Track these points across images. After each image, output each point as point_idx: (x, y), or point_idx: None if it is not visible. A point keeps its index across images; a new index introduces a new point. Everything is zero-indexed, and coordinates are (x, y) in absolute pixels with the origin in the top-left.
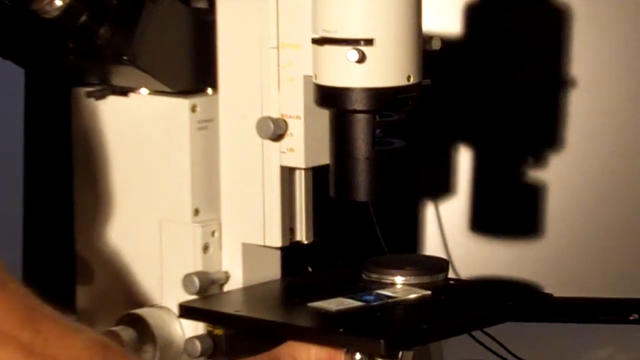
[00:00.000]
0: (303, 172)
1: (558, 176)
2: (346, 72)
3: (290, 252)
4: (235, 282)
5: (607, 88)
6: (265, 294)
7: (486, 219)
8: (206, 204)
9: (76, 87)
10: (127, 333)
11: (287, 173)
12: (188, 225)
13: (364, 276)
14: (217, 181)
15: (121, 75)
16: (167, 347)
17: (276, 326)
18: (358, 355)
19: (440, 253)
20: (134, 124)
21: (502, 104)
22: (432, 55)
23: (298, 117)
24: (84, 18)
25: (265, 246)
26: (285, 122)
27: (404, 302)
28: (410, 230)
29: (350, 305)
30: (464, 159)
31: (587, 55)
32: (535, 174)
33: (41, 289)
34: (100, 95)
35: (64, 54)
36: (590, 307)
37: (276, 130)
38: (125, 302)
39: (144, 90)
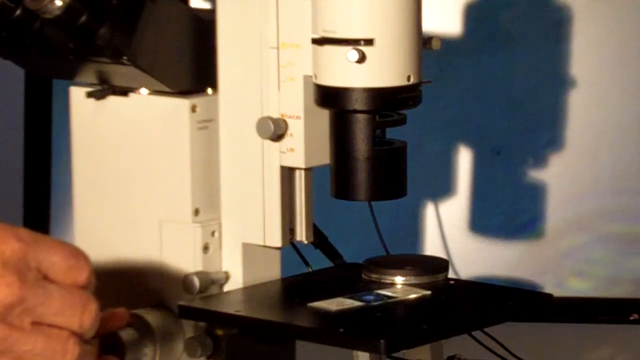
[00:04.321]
0: (303, 172)
1: (558, 176)
2: (346, 72)
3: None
4: (235, 282)
5: (607, 88)
6: (265, 294)
7: (486, 219)
8: (206, 204)
9: (76, 87)
10: (127, 333)
11: (287, 173)
12: (188, 225)
13: (364, 276)
14: (217, 181)
15: (121, 75)
16: (167, 347)
17: (276, 326)
18: None
19: (440, 253)
20: (134, 124)
21: (502, 104)
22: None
23: (298, 117)
24: (84, 18)
25: (265, 246)
26: (285, 122)
27: (404, 302)
28: (410, 230)
29: (350, 305)
30: (464, 159)
31: (587, 55)
32: (535, 174)
33: None
34: (100, 95)
35: (64, 54)
36: (590, 307)
37: (276, 131)
38: (125, 302)
39: (144, 90)
